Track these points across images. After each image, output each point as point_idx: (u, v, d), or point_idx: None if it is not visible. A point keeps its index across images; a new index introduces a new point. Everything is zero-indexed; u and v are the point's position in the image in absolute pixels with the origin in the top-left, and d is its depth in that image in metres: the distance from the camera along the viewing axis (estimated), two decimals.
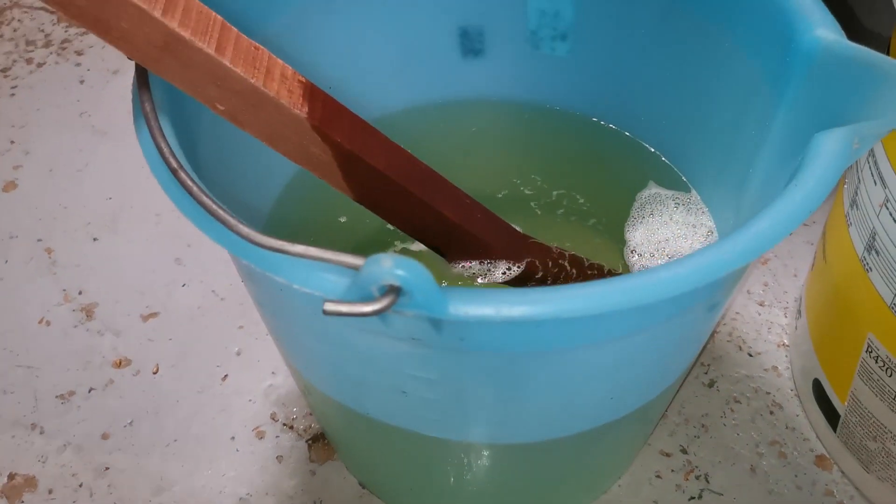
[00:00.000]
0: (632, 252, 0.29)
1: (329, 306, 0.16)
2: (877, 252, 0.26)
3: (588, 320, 0.18)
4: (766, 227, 0.18)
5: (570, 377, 0.22)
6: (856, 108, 0.22)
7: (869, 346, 0.28)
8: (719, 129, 0.28)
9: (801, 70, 0.23)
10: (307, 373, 0.25)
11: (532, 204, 0.31)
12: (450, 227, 0.26)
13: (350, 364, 0.22)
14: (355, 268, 0.17)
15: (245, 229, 0.17)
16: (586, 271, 0.28)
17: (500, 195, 0.32)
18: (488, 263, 0.27)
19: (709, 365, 0.36)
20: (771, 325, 0.37)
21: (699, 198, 0.30)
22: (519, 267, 0.28)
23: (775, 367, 0.36)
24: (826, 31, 0.23)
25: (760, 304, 0.38)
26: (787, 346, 0.36)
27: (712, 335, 0.36)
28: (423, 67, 0.33)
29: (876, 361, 0.28)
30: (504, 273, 0.28)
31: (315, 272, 0.17)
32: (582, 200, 0.31)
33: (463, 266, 0.28)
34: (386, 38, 0.32)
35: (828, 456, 0.33)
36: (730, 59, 0.27)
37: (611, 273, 0.29)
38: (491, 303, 0.17)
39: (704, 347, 0.36)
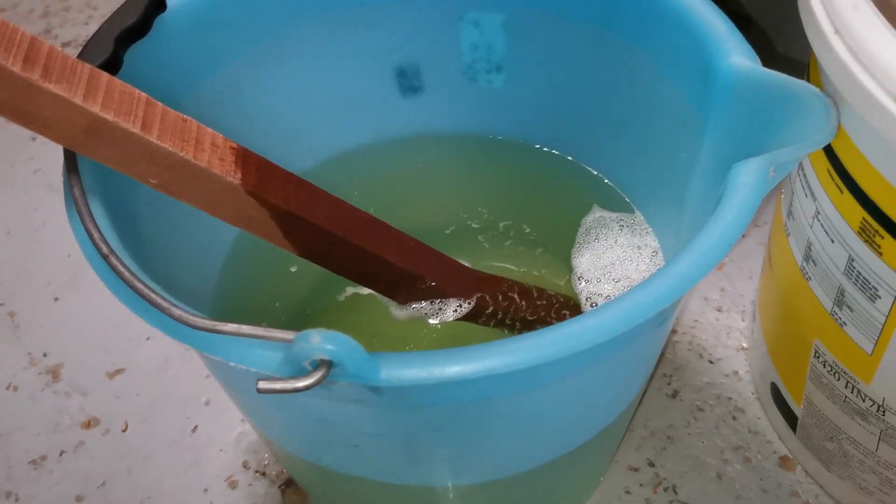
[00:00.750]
0: (579, 279, 0.29)
1: (263, 385, 0.17)
2: (814, 262, 0.27)
3: (524, 371, 0.18)
4: (688, 265, 0.19)
5: (521, 419, 0.23)
6: (775, 134, 0.22)
7: (816, 351, 0.29)
8: (655, 152, 0.29)
9: (721, 97, 0.24)
10: (263, 429, 0.25)
11: (480, 237, 0.32)
12: (397, 273, 0.27)
13: (301, 422, 0.23)
14: (288, 341, 0.17)
15: (178, 312, 0.18)
16: (535, 302, 0.29)
17: (448, 231, 0.32)
18: (439, 303, 0.28)
19: (671, 375, 0.36)
20: (729, 330, 0.38)
21: (643, 218, 0.31)
22: (469, 303, 0.28)
23: (735, 372, 0.36)
24: (741, 57, 0.23)
25: (718, 310, 0.38)
26: (746, 349, 0.37)
27: (673, 345, 0.37)
28: (365, 108, 0.33)
29: (824, 366, 0.28)
30: (455, 311, 0.28)
31: (249, 349, 0.18)
32: (528, 230, 0.32)
33: (414, 307, 0.28)
34: (326, 84, 0.32)
35: (791, 457, 0.34)
36: (658, 85, 0.27)
37: (559, 300, 0.29)
38: (422, 366, 0.17)
39: (665, 358, 0.37)
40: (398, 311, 0.28)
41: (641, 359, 0.26)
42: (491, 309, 0.28)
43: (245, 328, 0.17)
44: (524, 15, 0.30)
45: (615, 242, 0.30)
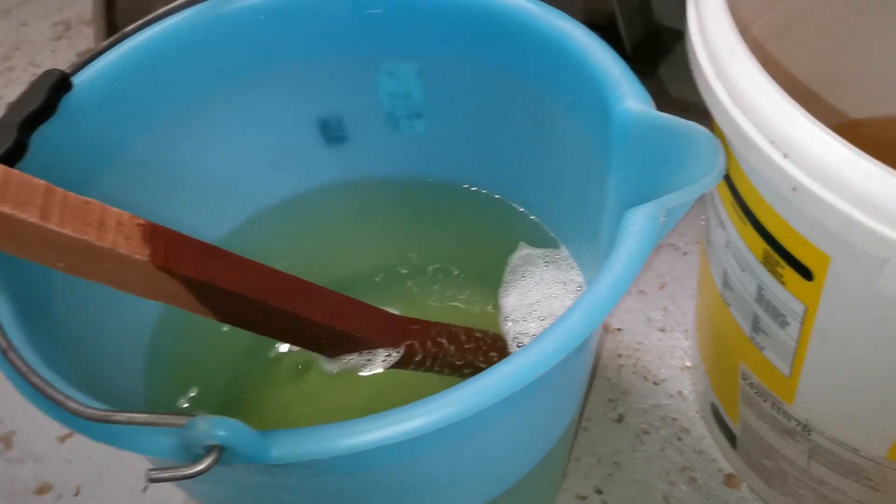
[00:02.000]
0: (505, 319, 0.30)
1: (154, 474, 0.17)
2: (731, 289, 0.27)
3: (423, 436, 0.19)
4: (578, 319, 0.19)
5: (441, 472, 0.23)
6: (669, 176, 0.23)
7: (743, 374, 0.29)
8: (571, 189, 0.29)
9: (619, 139, 0.24)
10: (195, 497, 0.26)
11: (409, 283, 0.32)
12: (321, 329, 0.27)
13: (223, 493, 0.23)
14: (180, 426, 0.18)
15: (73, 405, 0.18)
16: (463, 345, 0.29)
17: (377, 279, 0.32)
18: (368, 353, 0.28)
19: (616, 400, 0.37)
20: (673, 350, 0.38)
21: (568, 252, 0.31)
22: (398, 352, 0.28)
23: (680, 392, 0.37)
24: (635, 101, 0.24)
25: (661, 330, 0.39)
26: (690, 367, 0.37)
27: (617, 370, 0.37)
28: (291, 161, 0.33)
29: (751, 388, 0.29)
30: (384, 360, 0.28)
31: (143, 438, 0.18)
32: (457, 272, 0.32)
33: (344, 360, 0.28)
34: (250, 141, 0.32)
35: (735, 474, 0.34)
36: (567, 126, 0.28)
37: (486, 342, 0.30)
38: (314, 441, 0.18)
39: (610, 382, 0.37)
40: (328, 365, 0.28)
41: (561, 394, 0.26)
42: (420, 356, 0.29)
43: (138, 416, 0.18)
44: (436, 63, 0.30)
45: (541, 279, 0.30)
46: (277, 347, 0.31)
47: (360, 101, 0.32)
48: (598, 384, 0.37)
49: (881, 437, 0.26)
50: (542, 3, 0.27)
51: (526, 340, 0.29)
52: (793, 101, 0.20)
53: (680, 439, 0.35)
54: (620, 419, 0.36)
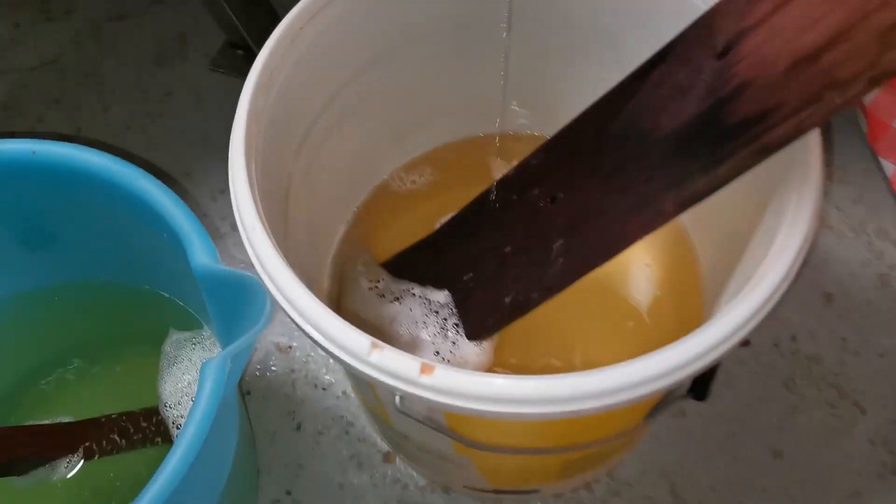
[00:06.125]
0: (164, 405, 0.36)
1: None
2: None
3: None
4: (164, 479, 0.26)
5: None
6: (239, 322, 0.29)
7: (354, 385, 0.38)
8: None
9: (204, 290, 0.30)
10: None
11: (77, 387, 0.37)
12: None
13: None
14: None
15: None
16: (132, 436, 0.35)
17: (44, 384, 0.37)
18: (49, 466, 0.34)
19: (294, 411, 0.45)
20: None
21: (210, 332, 0.37)
22: (78, 455, 0.34)
23: (344, 392, 0.45)
24: (204, 257, 0.30)
25: None
26: None
27: (292, 383, 0.45)
28: None
29: (365, 401, 0.38)
30: (67, 466, 0.34)
31: None
32: (119, 369, 0.38)
33: (31, 474, 0.34)
34: None
35: (391, 452, 0.43)
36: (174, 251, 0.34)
37: (142, 413, 0.36)
38: None
39: (287, 395, 0.45)
40: (20, 482, 0.34)
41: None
42: (97, 455, 0.35)
43: None
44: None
45: (190, 362, 0.37)
46: None
47: None
48: (276, 400, 0.45)
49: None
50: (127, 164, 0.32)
51: (181, 423, 0.36)
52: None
53: (347, 433, 0.44)
54: (299, 427, 0.44)
